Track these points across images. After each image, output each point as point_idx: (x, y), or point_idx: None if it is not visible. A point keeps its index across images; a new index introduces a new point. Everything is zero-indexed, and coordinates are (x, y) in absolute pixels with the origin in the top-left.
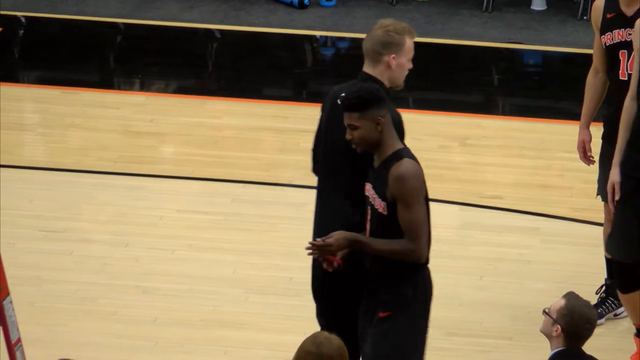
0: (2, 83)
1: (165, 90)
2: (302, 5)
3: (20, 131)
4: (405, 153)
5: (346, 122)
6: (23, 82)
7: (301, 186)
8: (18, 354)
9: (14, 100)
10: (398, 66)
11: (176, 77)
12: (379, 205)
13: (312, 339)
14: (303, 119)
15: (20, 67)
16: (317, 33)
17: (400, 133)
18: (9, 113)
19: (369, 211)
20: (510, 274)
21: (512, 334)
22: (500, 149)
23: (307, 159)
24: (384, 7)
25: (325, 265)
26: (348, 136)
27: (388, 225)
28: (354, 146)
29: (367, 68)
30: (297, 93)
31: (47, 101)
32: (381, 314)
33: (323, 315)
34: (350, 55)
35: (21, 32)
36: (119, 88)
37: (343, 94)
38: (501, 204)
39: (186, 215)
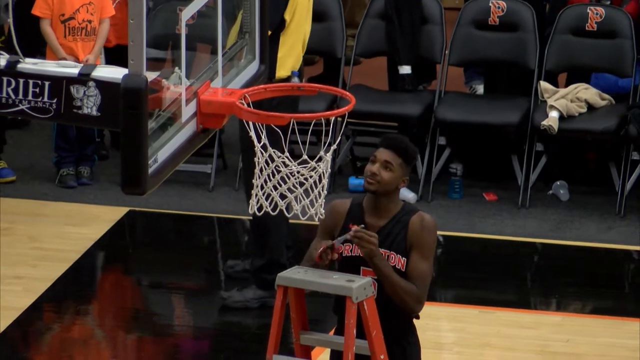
0: None
1: (581, 310)
2: None
3: (437, 350)
4: (415, 207)
5: (384, 157)
6: (440, 300)
7: None
8: None
9: (432, 318)
10: None
11: (593, 297)
12: (398, 261)
13: None
14: None
15: (438, 285)
16: None
17: None
18: (426, 332)
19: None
20: None
21: None
22: None
23: None
24: None
25: (325, 256)
26: (375, 170)
27: None
28: (372, 183)
29: None
30: None
31: (464, 320)
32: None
33: None
34: None
35: (439, 250)
36: (535, 308)
37: (395, 135)
38: None
39: None
